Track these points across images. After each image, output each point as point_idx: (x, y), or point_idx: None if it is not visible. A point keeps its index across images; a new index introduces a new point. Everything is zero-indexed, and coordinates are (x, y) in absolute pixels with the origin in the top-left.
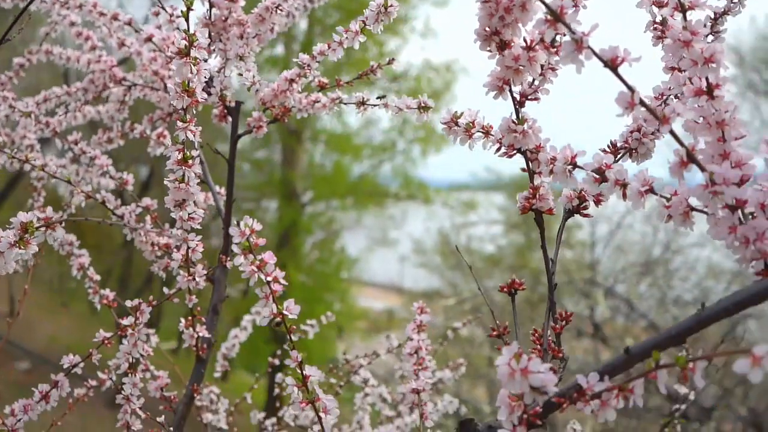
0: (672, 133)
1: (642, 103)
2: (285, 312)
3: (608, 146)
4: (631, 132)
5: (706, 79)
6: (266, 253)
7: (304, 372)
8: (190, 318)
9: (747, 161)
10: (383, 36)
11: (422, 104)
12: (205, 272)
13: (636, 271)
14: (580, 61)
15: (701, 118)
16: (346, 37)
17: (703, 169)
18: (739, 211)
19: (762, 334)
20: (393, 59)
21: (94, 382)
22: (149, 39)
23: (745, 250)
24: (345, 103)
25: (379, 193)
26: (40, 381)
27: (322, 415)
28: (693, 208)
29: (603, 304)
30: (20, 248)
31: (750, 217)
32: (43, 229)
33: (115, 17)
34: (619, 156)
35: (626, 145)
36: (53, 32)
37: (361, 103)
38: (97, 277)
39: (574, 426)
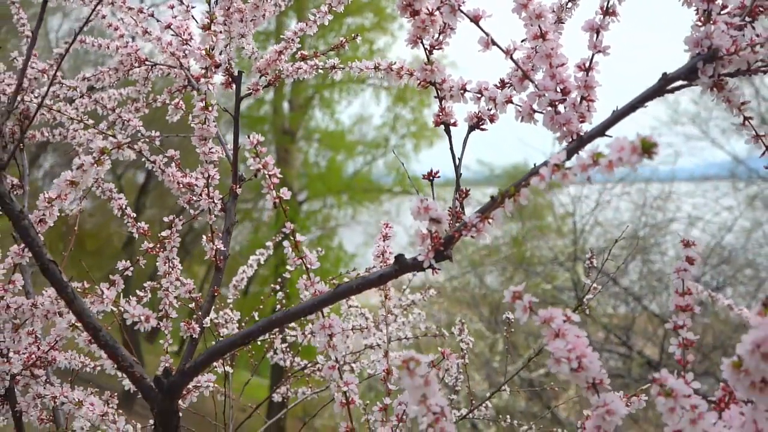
0: (513, 61)
1: (492, 42)
2: (282, 195)
3: (499, 81)
4: (514, 71)
5: (539, 27)
6: (268, 157)
7: (296, 239)
8: (210, 234)
9: (567, 79)
10: (373, 34)
11: (377, 65)
12: (221, 196)
13: (620, 245)
14: (455, 19)
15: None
16: (318, 17)
17: (532, 82)
18: (562, 107)
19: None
20: (357, 35)
21: (135, 298)
22: (168, 26)
23: (559, 131)
24: (321, 69)
25: (373, 189)
26: None
27: (309, 265)
28: (534, 110)
29: (583, 277)
30: (98, 166)
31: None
32: (115, 150)
33: (140, 11)
34: (506, 88)
35: (510, 81)
36: (86, 26)
37: (333, 68)
38: (134, 215)
39: None
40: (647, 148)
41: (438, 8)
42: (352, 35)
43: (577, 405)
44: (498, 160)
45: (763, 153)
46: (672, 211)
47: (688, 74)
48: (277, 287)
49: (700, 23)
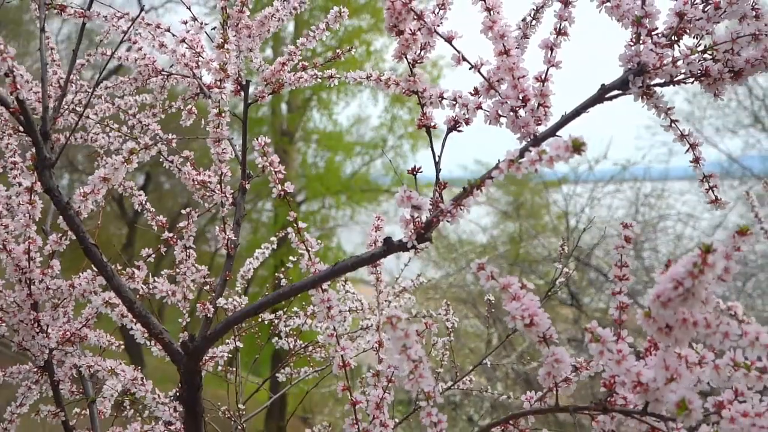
0: (480, 74)
1: (463, 58)
2: (286, 188)
3: (473, 89)
4: (482, 82)
5: (503, 45)
6: (274, 155)
7: (298, 225)
8: (222, 225)
9: (528, 89)
10: (370, 36)
11: (369, 75)
12: (232, 191)
13: (613, 242)
14: (433, 39)
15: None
16: (317, 32)
17: (496, 91)
18: (522, 112)
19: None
20: (351, 47)
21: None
22: (183, 40)
23: (519, 132)
24: (320, 78)
25: (371, 190)
26: None
27: (310, 248)
28: (500, 115)
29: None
30: (127, 164)
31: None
32: (144, 150)
33: (158, 26)
34: (479, 96)
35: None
36: (105, 39)
37: (331, 77)
38: (153, 210)
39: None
40: (577, 147)
41: (419, 29)
42: (348, 48)
43: (571, 399)
44: (495, 159)
45: (687, 150)
46: (664, 209)
47: (621, 85)
48: (281, 276)
49: (631, 43)
